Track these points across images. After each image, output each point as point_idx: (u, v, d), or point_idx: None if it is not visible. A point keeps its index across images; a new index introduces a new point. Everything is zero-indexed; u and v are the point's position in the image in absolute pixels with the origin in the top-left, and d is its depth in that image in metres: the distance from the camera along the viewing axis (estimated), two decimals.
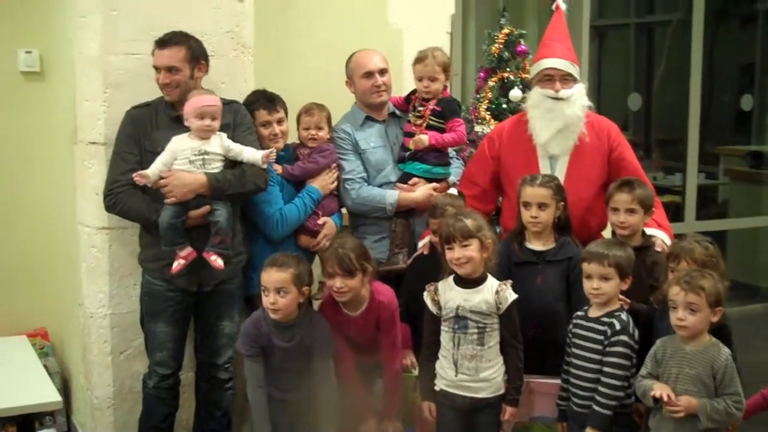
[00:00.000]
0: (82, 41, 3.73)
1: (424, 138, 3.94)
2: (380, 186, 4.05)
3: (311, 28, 4.70)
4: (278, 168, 3.87)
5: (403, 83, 4.47)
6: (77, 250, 3.94)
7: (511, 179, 3.73)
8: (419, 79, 4.00)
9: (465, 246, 3.15)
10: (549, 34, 3.83)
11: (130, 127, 3.56)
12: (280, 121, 3.84)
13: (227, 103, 3.61)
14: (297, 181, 3.92)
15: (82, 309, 3.94)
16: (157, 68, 3.47)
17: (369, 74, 4.02)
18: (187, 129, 3.48)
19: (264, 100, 3.81)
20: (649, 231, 3.59)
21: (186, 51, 3.50)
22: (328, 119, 3.99)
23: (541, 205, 3.45)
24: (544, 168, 3.74)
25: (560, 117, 3.69)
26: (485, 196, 3.93)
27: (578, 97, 3.72)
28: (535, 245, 3.53)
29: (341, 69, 4.16)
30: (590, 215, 3.74)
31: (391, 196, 3.99)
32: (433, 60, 3.96)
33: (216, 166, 3.47)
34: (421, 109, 4.03)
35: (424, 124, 4.00)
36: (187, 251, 3.44)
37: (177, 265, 3.40)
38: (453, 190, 3.91)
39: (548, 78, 3.73)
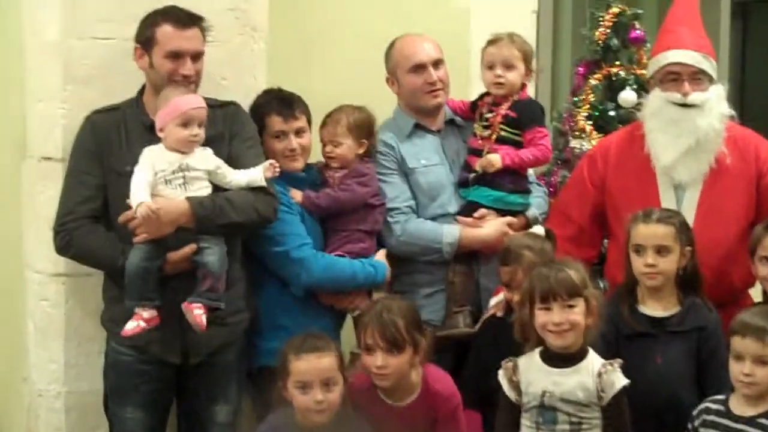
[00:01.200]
0: (36, 20, 3.77)
1: (495, 159, 3.93)
2: (434, 219, 4.05)
3: (347, 6, 4.73)
4: (297, 195, 3.88)
5: (470, 84, 4.44)
6: (23, 304, 3.94)
7: (620, 215, 3.70)
8: (489, 67, 4.02)
9: (569, 307, 3.14)
10: (674, 14, 3.81)
11: (91, 139, 3.58)
12: (299, 132, 3.87)
13: (219, 106, 3.64)
14: (324, 215, 3.93)
15: (28, 384, 3.94)
16: (177, 54, 3.51)
17: (419, 67, 4.04)
18: None
19: (278, 102, 3.85)
20: None
21: (202, 34, 3.58)
22: (359, 129, 3.97)
23: (660, 250, 3.42)
24: (668, 200, 3.74)
25: (690, 131, 3.68)
26: (583, 237, 3.93)
27: (715, 104, 3.71)
28: (652, 309, 3.50)
29: None
30: (731, 265, 3.72)
31: (450, 233, 3.98)
32: (510, 43, 4.00)
33: (201, 187, 3.48)
34: (489, 116, 4.03)
35: (494, 136, 4.01)
36: (152, 314, 3.42)
37: (135, 327, 3.39)
38: (537, 229, 3.85)
39: (673, 77, 3.72)
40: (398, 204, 4.01)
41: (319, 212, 3.91)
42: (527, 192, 4.12)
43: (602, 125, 4.48)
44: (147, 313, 3.41)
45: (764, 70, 7.43)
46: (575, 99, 4.61)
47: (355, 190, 3.91)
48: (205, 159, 3.48)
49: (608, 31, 4.56)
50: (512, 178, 4.02)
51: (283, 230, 3.75)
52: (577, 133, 4.51)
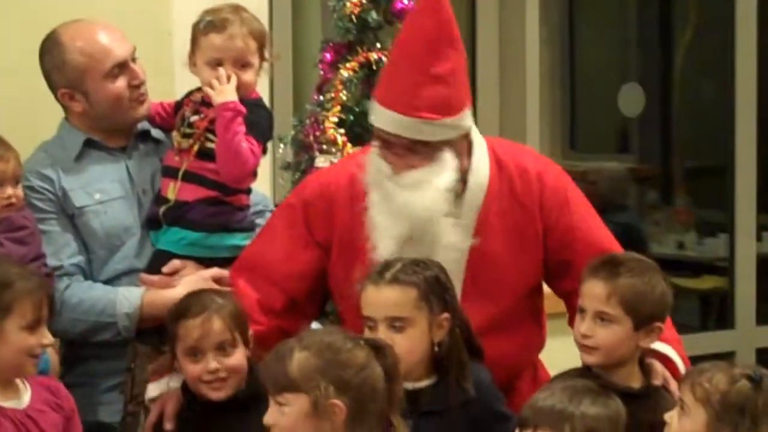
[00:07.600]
0: None
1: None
2: (116, 279, 4.00)
3: None
4: None
5: (175, 79, 4.41)
6: None
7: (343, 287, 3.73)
8: (213, 64, 3.95)
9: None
10: (408, 31, 3.71)
11: None
12: None
13: None
14: None
15: None
16: None
17: (121, 67, 4.00)
18: None
19: None
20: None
21: None
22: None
23: (395, 322, 3.43)
24: None
25: (409, 211, 3.64)
26: (296, 311, 3.86)
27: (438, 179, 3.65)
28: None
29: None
30: (513, 346, 3.78)
31: (128, 299, 3.91)
32: (240, 26, 3.94)
33: None
34: (195, 119, 3.97)
35: (196, 147, 3.96)
36: None
37: None
38: None
39: (385, 142, 3.68)
40: (59, 262, 3.91)
41: None
42: (246, 229, 4.03)
43: (360, 134, 4.35)
44: None
45: (595, 46, 7.91)
46: (322, 98, 4.52)
47: (9, 249, 3.75)
48: None
49: (365, 2, 4.45)
50: (216, 208, 3.94)
51: None
52: (324, 146, 4.40)
